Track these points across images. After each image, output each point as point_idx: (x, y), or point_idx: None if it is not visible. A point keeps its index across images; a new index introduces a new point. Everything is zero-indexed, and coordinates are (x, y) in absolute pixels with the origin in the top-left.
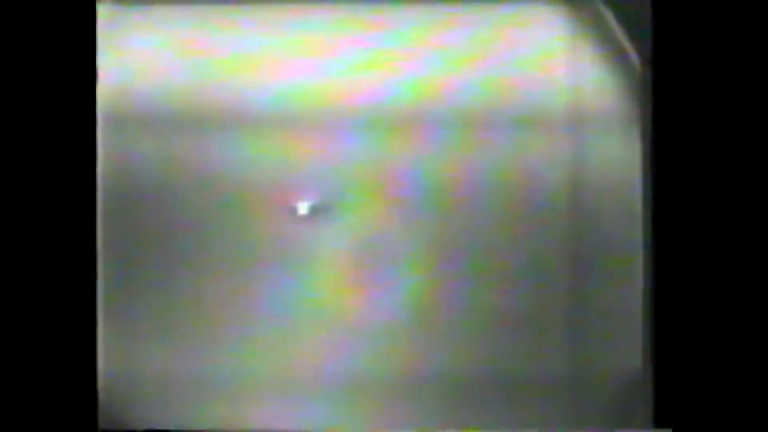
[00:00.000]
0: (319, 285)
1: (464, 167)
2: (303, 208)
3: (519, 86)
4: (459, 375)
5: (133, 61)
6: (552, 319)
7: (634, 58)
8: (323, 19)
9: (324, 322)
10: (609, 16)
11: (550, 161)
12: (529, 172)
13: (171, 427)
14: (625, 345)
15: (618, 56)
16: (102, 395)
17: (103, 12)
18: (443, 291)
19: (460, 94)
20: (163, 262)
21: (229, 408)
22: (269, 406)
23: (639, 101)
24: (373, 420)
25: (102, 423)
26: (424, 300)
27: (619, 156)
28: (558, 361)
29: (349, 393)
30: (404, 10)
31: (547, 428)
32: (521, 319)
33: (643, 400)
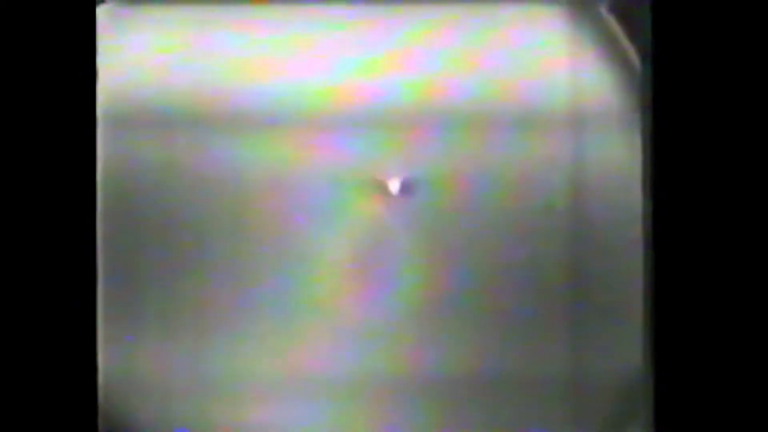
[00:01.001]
0: (320, 286)
1: (464, 167)
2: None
3: (519, 86)
4: (459, 375)
5: (133, 61)
6: (552, 320)
7: (634, 57)
8: (323, 20)
9: (324, 322)
10: (609, 16)
11: (550, 161)
12: (529, 172)
13: (171, 428)
14: (625, 346)
15: (618, 56)
16: (102, 395)
17: (103, 12)
18: (443, 291)
19: (461, 95)
20: (163, 262)
21: (229, 408)
22: (269, 407)
23: (639, 101)
24: (374, 420)
25: (102, 423)
26: (424, 300)
27: (619, 156)
28: (558, 362)
29: (350, 393)
30: (405, 11)
31: (547, 429)
32: (521, 319)
33: (643, 401)
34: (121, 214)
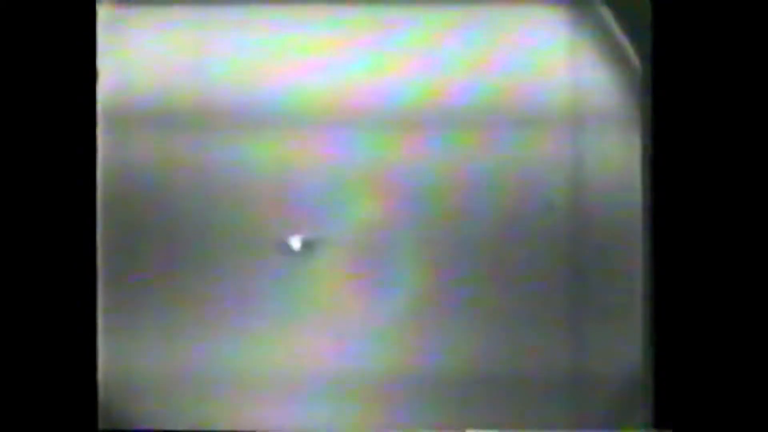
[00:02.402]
0: (320, 282)
1: (465, 167)
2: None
3: (519, 87)
4: (459, 375)
5: (133, 61)
6: (552, 319)
7: (634, 58)
8: (324, 20)
9: (324, 321)
10: (609, 16)
11: (550, 161)
12: (530, 172)
13: (171, 427)
14: (625, 345)
15: (618, 56)
16: (102, 395)
17: (103, 12)
18: (443, 290)
19: (461, 95)
20: (163, 262)
21: (229, 407)
22: (269, 406)
23: (639, 101)
24: (374, 420)
25: (102, 422)
26: (424, 299)
27: (619, 156)
28: (558, 361)
29: (350, 392)
30: (405, 11)
31: (547, 428)
32: (521, 319)
33: (643, 400)
34: (121, 214)
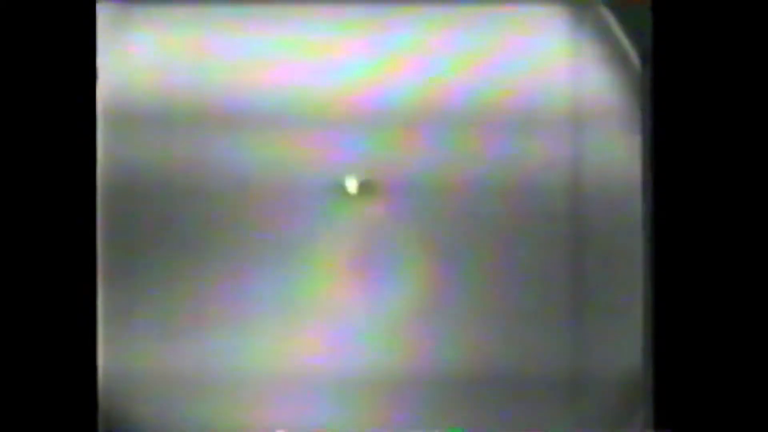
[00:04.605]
0: (319, 284)
1: (465, 167)
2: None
3: (519, 86)
4: (460, 375)
5: (133, 61)
6: (552, 319)
7: (634, 58)
8: (324, 20)
9: (323, 320)
10: (609, 17)
11: (551, 161)
12: (530, 172)
13: (171, 427)
14: (625, 346)
15: (618, 56)
16: (102, 395)
17: (103, 12)
18: (445, 290)
19: (462, 95)
20: (163, 262)
21: (229, 407)
22: (269, 405)
23: (639, 101)
24: (374, 419)
25: (102, 423)
26: (425, 299)
27: (619, 156)
28: (558, 362)
29: (350, 392)
30: (406, 12)
31: (547, 428)
32: (521, 319)
33: (642, 400)
34: (121, 214)
